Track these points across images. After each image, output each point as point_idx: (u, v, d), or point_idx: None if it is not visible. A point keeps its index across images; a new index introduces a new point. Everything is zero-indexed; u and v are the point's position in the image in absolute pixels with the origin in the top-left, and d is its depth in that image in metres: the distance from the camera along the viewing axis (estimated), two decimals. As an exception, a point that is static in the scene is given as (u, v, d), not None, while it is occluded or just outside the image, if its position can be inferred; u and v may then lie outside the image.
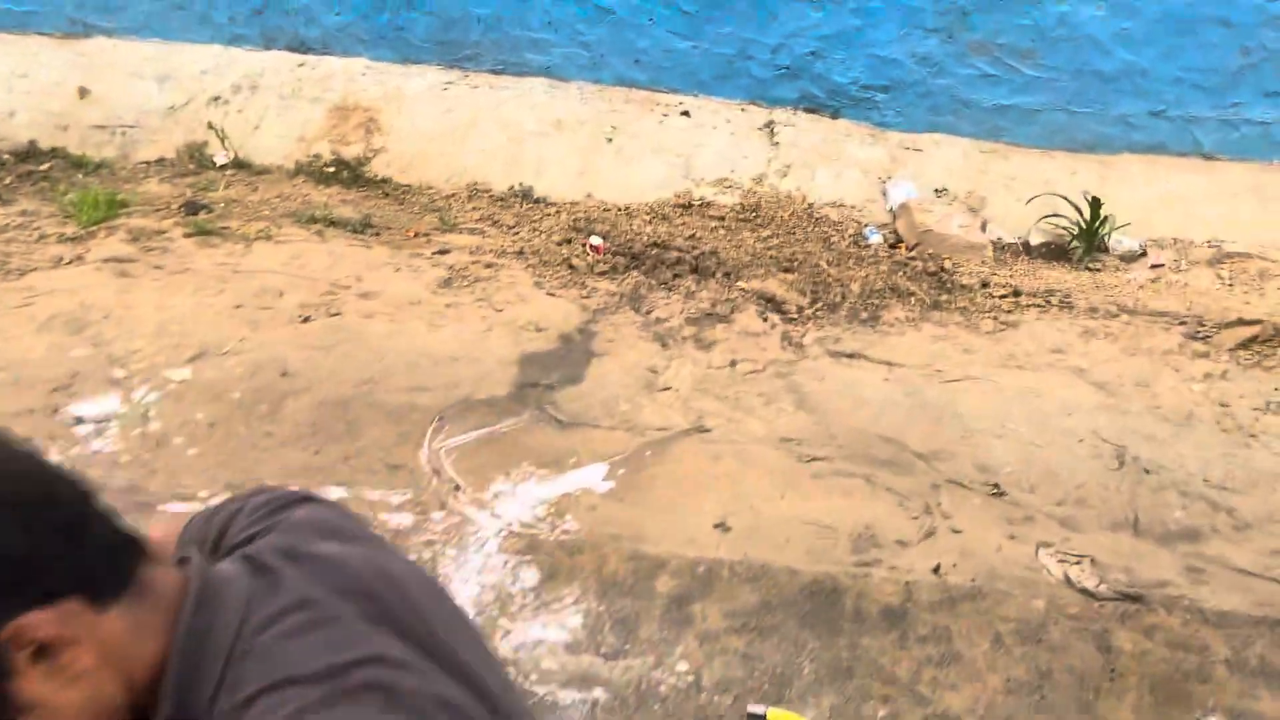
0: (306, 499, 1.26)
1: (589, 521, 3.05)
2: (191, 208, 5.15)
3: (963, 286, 4.86)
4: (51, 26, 6.49)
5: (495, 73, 6.18)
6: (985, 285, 4.87)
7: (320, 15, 6.25)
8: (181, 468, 3.15)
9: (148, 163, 5.95)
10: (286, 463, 3.22)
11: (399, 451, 3.32)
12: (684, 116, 5.91)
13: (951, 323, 4.49)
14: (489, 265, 4.71)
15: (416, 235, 5.02)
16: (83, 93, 6.25)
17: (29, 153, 6.00)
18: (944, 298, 4.73)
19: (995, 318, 4.55)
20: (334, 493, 3.10)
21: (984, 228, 5.36)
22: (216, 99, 6.15)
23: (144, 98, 6.20)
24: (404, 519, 3.01)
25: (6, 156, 5.99)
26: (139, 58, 6.33)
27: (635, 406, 3.68)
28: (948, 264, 5.07)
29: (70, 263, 4.48)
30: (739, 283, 4.76)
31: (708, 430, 3.56)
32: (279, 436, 3.35)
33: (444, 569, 2.82)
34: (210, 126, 5.91)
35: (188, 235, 4.82)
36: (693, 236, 5.20)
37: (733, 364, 4.03)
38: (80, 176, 5.74)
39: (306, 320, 4.08)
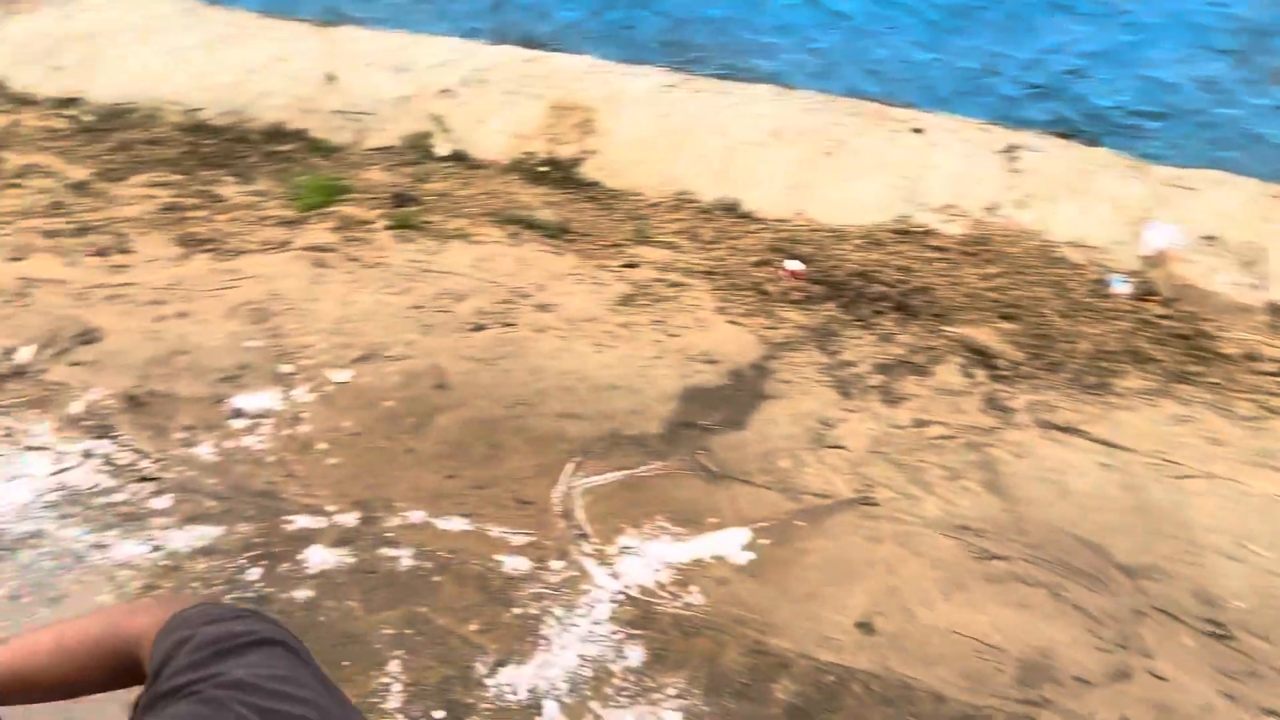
0: (260, 643, 1.05)
1: (716, 598, 2.74)
2: (400, 199, 5.23)
3: (1221, 356, 4.11)
4: (311, 13, 6.84)
5: (719, 77, 5.91)
6: (1251, 358, 4.10)
7: (552, 11, 6.22)
8: (317, 477, 3.11)
9: (376, 150, 6.13)
10: (418, 484, 3.11)
11: (533, 485, 3.14)
12: (915, 134, 5.40)
13: (1199, 401, 3.79)
14: (675, 284, 4.46)
15: (610, 245, 4.85)
16: (329, 79, 6.52)
17: (276, 133, 6.34)
18: (1194, 369, 4.02)
19: (1257, 401, 3.80)
20: (456, 524, 2.96)
21: (1260, 287, 4.53)
22: (445, 91, 6.25)
23: (381, 87, 6.39)
24: (520, 564, 2.82)
25: (256, 136, 6.36)
26: (381, 48, 6.54)
27: (797, 464, 3.32)
28: (1207, 327, 4.32)
29: (277, 248, 4.63)
30: (947, 327, 4.25)
31: (873, 504, 3.14)
32: (419, 454, 3.25)
33: (546, 630, 2.60)
34: (433, 118, 6.01)
35: (389, 228, 4.88)
36: (905, 268, 4.72)
37: (920, 425, 3.57)
38: (315, 160, 5.99)
39: (478, 329, 3.99)
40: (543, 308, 4.18)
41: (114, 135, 6.15)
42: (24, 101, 6.59)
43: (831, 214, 5.22)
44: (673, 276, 4.54)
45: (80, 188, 5.44)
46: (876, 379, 3.84)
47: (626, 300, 4.30)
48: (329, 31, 6.73)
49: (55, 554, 2.77)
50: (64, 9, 7.20)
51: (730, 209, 5.32)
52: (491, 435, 3.36)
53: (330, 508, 2.99)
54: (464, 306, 4.16)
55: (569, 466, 3.22)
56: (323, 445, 3.26)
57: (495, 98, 6.16)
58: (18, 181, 5.47)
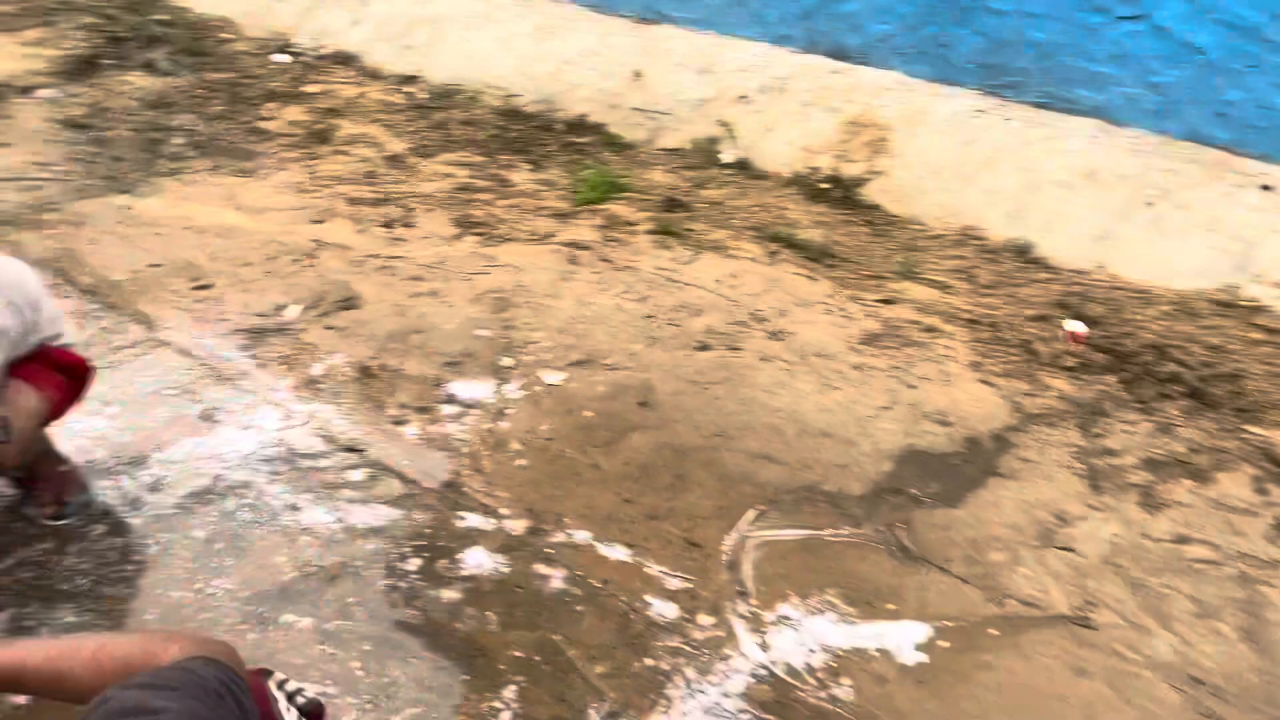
0: None
1: (867, 697, 2.43)
2: (670, 204, 5.18)
3: None
4: (632, 10, 6.97)
5: (1036, 106, 5.35)
6: None
7: (865, 23, 5.91)
8: (500, 477, 3.12)
9: (664, 150, 6.14)
10: (593, 503, 3.03)
11: (706, 527, 2.96)
12: (1263, 191, 4.58)
13: None
14: (930, 329, 4.07)
15: (871, 276, 4.52)
16: (636, 75, 6.62)
17: (577, 125, 6.54)
18: None
19: None
20: (618, 552, 2.85)
21: None
22: (743, 97, 6.14)
23: (683, 87, 6.39)
24: (668, 610, 2.66)
25: (560, 125, 6.59)
26: (690, 48, 6.54)
27: (1011, 560, 2.88)
28: None
29: (539, 239, 4.74)
30: (1250, 427, 3.56)
31: (1091, 627, 2.66)
32: (604, 471, 3.17)
33: (671, 690, 2.42)
34: (722, 124, 5.92)
35: (649, 232, 4.84)
36: (1216, 348, 4.02)
37: (1179, 542, 2.99)
38: (606, 154, 6.10)
39: (702, 349, 3.85)
40: (775, 335, 3.96)
41: (437, 114, 6.61)
42: (374, 76, 7.25)
43: (1139, 272, 4.56)
44: (931, 320, 4.15)
45: (395, 160, 5.88)
46: (1139, 476, 3.27)
47: (870, 339, 3.98)
48: (645, 29, 6.83)
49: (255, 507, 2.96)
50: (416, -6, 7.81)
51: (1020, 252, 4.79)
52: (680, 464, 3.21)
53: (504, 511, 2.98)
54: (696, 323, 4.03)
55: (750, 514, 3.01)
56: (516, 446, 3.27)
57: (790, 107, 5.96)
58: (345, 149, 6.01)
